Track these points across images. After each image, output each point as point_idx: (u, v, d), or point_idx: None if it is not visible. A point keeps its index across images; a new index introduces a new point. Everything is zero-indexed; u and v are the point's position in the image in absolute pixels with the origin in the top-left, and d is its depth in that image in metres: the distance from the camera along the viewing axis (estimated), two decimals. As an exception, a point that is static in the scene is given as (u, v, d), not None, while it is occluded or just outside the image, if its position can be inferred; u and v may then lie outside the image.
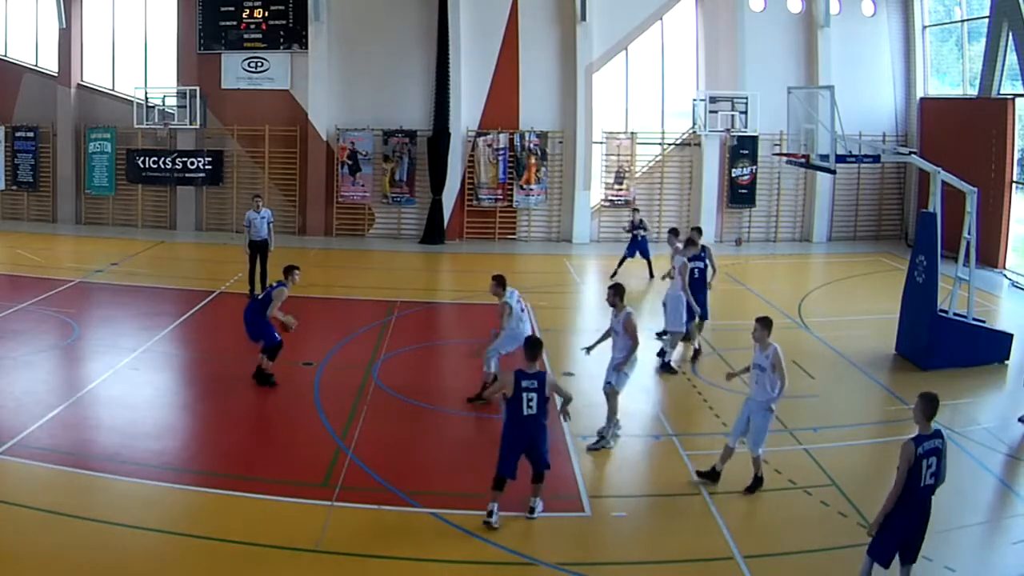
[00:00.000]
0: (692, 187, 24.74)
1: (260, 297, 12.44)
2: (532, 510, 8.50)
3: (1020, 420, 10.90)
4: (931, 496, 6.95)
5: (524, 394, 8.21)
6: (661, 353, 13.40)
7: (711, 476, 9.34)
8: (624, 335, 10.26)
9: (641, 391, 12.51)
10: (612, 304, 10.52)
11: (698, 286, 13.59)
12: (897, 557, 6.98)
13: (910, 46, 24.85)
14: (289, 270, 12.29)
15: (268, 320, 11.98)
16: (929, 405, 6.94)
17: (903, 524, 6.86)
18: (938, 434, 6.93)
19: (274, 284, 12.32)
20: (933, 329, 13.34)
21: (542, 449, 8.43)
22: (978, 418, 11.43)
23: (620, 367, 10.28)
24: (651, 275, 19.63)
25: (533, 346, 8.59)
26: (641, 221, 19.99)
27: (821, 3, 24.02)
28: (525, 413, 8.24)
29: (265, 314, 11.94)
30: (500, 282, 11.59)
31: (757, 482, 9.24)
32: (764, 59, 23.82)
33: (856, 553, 7.95)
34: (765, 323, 9.27)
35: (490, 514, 8.24)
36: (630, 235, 19.87)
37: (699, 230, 14.98)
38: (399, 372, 12.98)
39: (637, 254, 19.71)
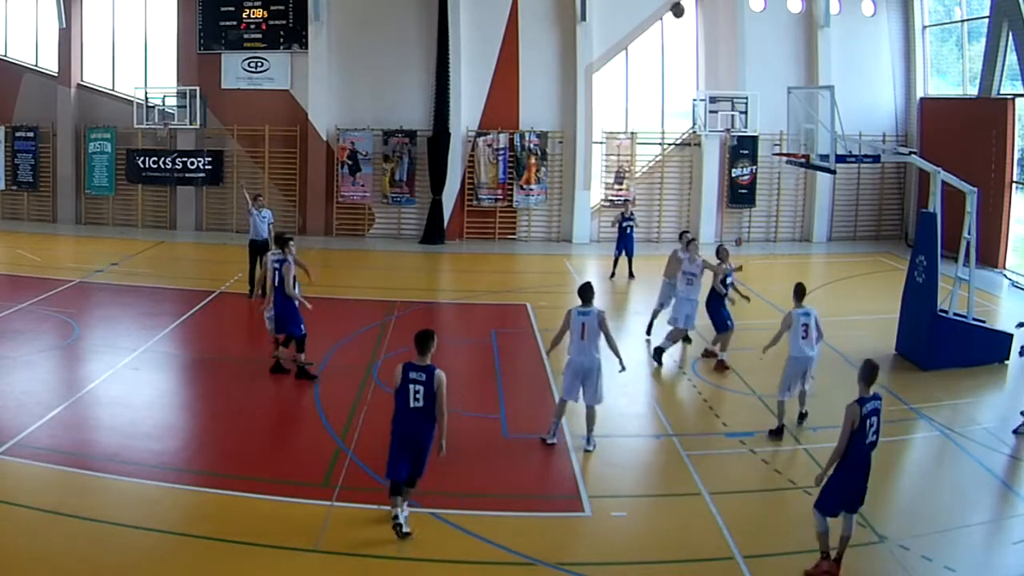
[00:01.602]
0: (692, 187, 24.74)
1: (277, 283, 12.29)
2: (397, 522, 8.03)
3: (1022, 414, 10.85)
4: (872, 452, 7.57)
5: (411, 386, 7.95)
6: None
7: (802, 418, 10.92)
8: None
9: (641, 391, 12.52)
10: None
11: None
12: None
13: (910, 46, 24.85)
14: (284, 242, 12.40)
15: (290, 307, 12.13)
16: (869, 371, 7.61)
17: (849, 479, 7.47)
18: (877, 396, 7.61)
19: (276, 262, 12.25)
20: (933, 329, 13.34)
21: (425, 451, 8.11)
22: (978, 418, 11.43)
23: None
24: (631, 275, 19.58)
25: (422, 339, 8.05)
26: (632, 214, 19.94)
27: (821, 3, 24.02)
28: (412, 405, 7.97)
29: (291, 298, 12.12)
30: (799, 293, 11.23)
31: (779, 430, 10.57)
32: (764, 59, 23.81)
33: (856, 553, 7.96)
34: (797, 290, 11.11)
35: (395, 518, 8.04)
36: (618, 228, 19.77)
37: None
38: (399, 372, 12.98)
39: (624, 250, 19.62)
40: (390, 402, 11.67)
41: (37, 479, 9.05)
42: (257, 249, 17.21)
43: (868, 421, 7.43)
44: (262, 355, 12.45)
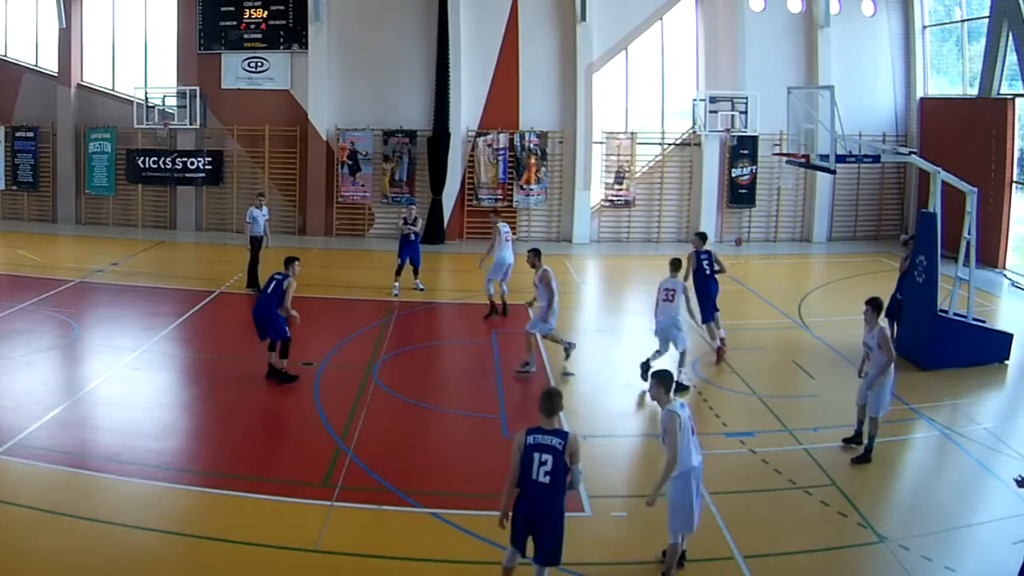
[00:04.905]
0: (692, 187, 24.72)
1: (269, 291, 12.15)
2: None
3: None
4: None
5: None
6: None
7: (856, 440, 10.25)
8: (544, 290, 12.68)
9: (641, 391, 12.51)
10: (532, 265, 12.83)
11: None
12: None
13: (910, 46, 24.84)
14: (290, 260, 12.36)
15: (279, 314, 12.01)
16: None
17: None
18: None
19: (278, 276, 12.25)
20: (933, 329, 13.34)
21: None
22: (978, 418, 11.43)
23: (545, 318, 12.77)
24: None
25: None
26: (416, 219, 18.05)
27: (821, 3, 24.01)
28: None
29: (276, 309, 11.98)
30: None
31: (866, 453, 9.93)
32: (764, 59, 23.80)
33: (856, 553, 7.98)
34: (874, 304, 10.17)
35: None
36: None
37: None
38: (399, 372, 12.98)
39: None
40: (390, 402, 11.85)
41: (37, 479, 9.05)
42: (258, 245, 17.41)
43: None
44: (261, 355, 12.44)
